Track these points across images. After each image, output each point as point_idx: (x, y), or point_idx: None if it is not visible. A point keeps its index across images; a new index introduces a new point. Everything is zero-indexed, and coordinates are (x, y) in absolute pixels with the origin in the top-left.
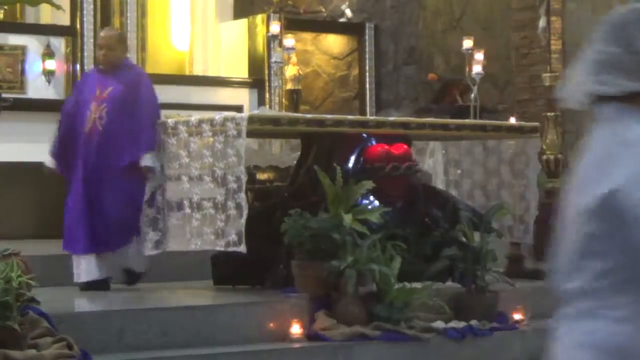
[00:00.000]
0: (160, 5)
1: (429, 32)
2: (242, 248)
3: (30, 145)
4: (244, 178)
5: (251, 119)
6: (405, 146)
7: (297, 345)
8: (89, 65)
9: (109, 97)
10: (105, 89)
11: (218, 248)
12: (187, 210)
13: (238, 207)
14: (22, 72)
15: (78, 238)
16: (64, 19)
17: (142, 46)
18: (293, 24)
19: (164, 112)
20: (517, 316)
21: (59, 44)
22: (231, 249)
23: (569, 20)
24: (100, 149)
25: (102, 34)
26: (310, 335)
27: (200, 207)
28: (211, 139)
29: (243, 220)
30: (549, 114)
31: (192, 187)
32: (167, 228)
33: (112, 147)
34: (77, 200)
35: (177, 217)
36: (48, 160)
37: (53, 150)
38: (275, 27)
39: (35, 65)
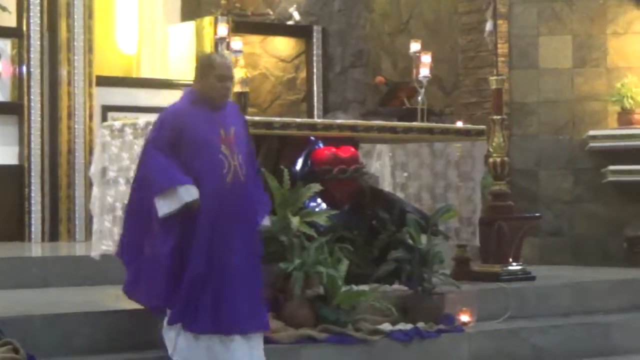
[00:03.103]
0: (107, 7)
1: (376, 35)
2: None
3: None
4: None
5: None
6: (352, 149)
7: None
8: (36, 68)
9: (236, 141)
10: (228, 129)
11: None
12: (120, 213)
13: None
14: None
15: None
16: (10, 21)
17: (90, 48)
18: (241, 27)
19: (110, 115)
20: (463, 318)
21: (5, 45)
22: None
23: (516, 24)
24: (242, 205)
25: (224, 61)
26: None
27: None
28: None
29: None
30: (495, 117)
31: (128, 189)
32: (98, 231)
33: (249, 203)
34: (202, 263)
35: (109, 220)
36: (185, 194)
37: (168, 181)
38: (222, 30)
39: None
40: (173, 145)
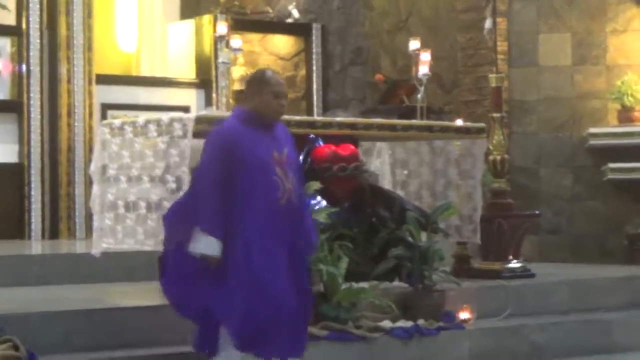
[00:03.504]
0: (106, 5)
1: (375, 33)
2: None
3: None
4: (186, 178)
5: (198, 120)
6: (352, 147)
7: None
8: (35, 66)
9: (289, 163)
10: (281, 150)
11: (147, 248)
12: (121, 211)
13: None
14: None
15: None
16: (9, 19)
17: (89, 46)
18: (240, 25)
19: (110, 113)
20: (463, 315)
21: (5, 43)
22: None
23: (515, 21)
24: (294, 230)
25: (277, 78)
26: None
27: (136, 207)
28: (156, 140)
29: None
30: (494, 114)
31: (130, 187)
32: (99, 229)
33: (301, 229)
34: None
35: (110, 218)
36: (209, 246)
37: (211, 227)
38: (222, 28)
39: None
40: (226, 168)
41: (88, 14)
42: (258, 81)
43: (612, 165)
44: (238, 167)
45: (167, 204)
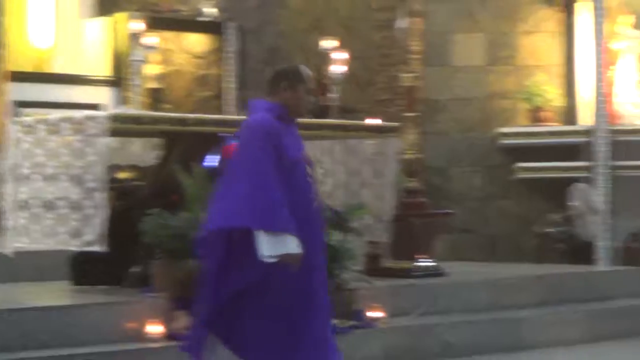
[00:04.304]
0: (19, 2)
1: (291, 32)
2: (102, 248)
3: None
4: (105, 177)
5: (113, 118)
6: None
7: (156, 345)
8: None
9: (310, 161)
10: (304, 148)
11: (73, 248)
12: (37, 210)
13: (97, 206)
14: None
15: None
16: None
17: (2, 43)
18: (155, 23)
19: (23, 111)
20: (375, 314)
21: None
22: (88, 248)
23: (430, 21)
24: (322, 234)
25: (309, 74)
26: (169, 335)
27: (54, 207)
28: (70, 138)
29: (103, 220)
30: (408, 114)
31: (47, 186)
32: (12, 228)
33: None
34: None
35: (24, 217)
36: (292, 244)
37: (287, 223)
38: (137, 25)
39: None
40: (275, 162)
41: (0, 12)
42: (294, 76)
43: (522, 164)
44: (280, 166)
45: (88, 203)
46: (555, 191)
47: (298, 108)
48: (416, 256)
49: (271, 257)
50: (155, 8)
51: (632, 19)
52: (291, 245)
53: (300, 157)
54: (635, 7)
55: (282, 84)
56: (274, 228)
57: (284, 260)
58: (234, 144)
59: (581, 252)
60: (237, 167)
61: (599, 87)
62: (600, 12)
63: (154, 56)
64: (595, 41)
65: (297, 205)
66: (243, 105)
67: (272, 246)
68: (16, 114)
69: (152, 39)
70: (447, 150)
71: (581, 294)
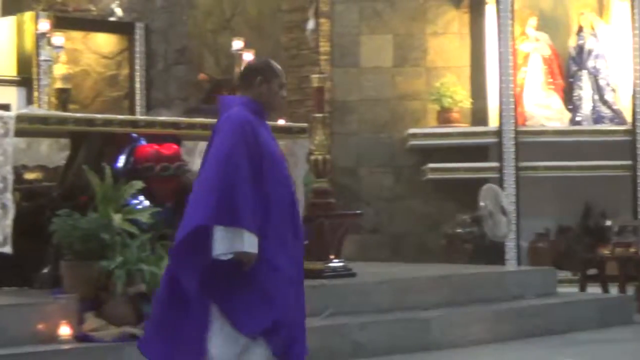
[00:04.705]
0: None
1: (199, 32)
2: (8, 249)
3: None
4: (11, 178)
5: (19, 118)
6: (175, 146)
7: (66, 346)
8: None
9: (284, 156)
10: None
11: None
12: None
13: (4, 207)
14: None
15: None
16: None
17: None
18: (62, 22)
19: None
20: None
21: None
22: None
23: (337, 23)
24: (301, 230)
25: (281, 69)
26: (79, 337)
27: None
28: None
29: (9, 221)
30: (317, 115)
31: None
32: None
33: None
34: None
35: None
36: (251, 243)
37: (251, 223)
38: (44, 25)
39: None
40: (251, 159)
41: None
42: (267, 71)
43: (431, 165)
44: (258, 161)
45: None
46: (465, 192)
47: (273, 103)
48: (326, 257)
49: (225, 254)
50: (62, 8)
51: (535, 20)
52: (248, 243)
53: (279, 151)
54: (540, 8)
55: (257, 79)
56: (233, 224)
57: (238, 259)
58: (144, 144)
59: (489, 252)
60: (211, 164)
61: (503, 89)
62: (506, 14)
63: (62, 56)
64: (499, 43)
65: (279, 197)
66: (151, 105)
67: (227, 243)
68: None
69: (59, 38)
70: (357, 151)
71: (488, 294)
